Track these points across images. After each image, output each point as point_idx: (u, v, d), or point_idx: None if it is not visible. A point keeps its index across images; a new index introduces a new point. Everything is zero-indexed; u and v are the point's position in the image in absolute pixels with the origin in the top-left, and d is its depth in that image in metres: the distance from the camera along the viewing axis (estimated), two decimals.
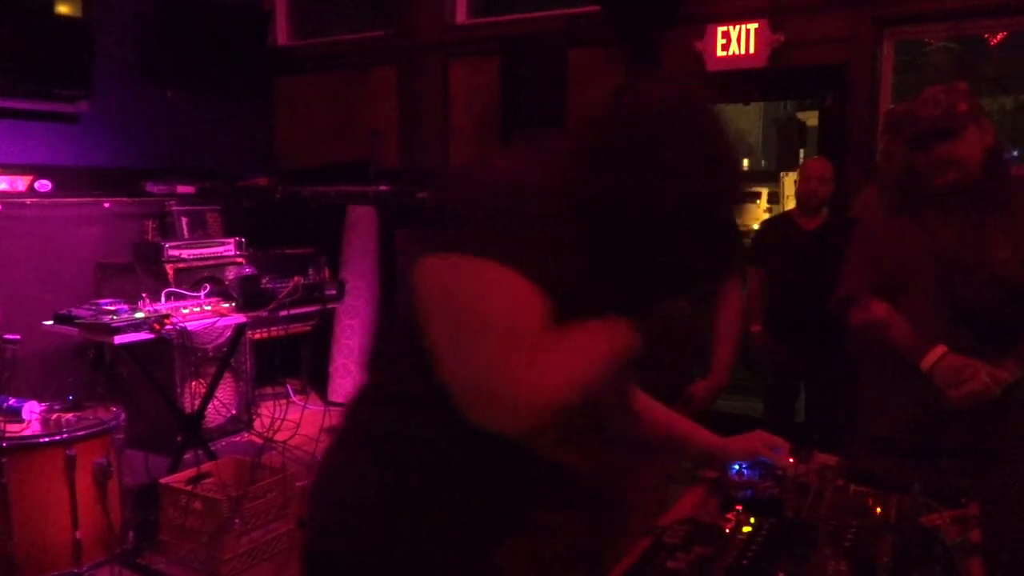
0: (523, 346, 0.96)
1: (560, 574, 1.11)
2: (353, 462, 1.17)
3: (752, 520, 1.23)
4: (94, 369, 3.75)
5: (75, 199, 4.33)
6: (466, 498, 1.08)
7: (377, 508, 1.11)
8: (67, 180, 4.33)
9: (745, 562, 1.08)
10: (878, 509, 1.31)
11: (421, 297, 1.02)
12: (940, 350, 1.95)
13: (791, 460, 1.50)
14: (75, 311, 3.18)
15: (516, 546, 1.07)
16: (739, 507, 1.31)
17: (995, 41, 4.62)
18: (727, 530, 1.21)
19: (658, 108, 1.05)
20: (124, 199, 4.53)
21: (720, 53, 4.35)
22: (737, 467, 1.49)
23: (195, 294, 3.48)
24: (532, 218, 1.01)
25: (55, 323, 3.21)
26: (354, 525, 1.13)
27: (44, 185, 4.19)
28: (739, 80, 4.43)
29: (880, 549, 1.10)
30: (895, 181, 2.14)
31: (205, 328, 3.42)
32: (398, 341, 1.12)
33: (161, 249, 4.04)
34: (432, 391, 1.00)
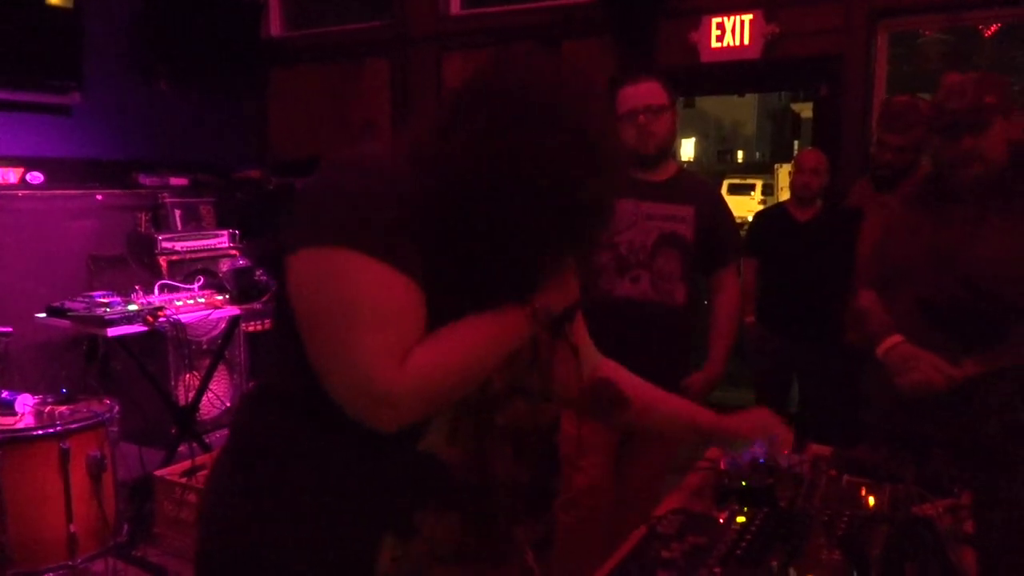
0: (388, 335, 0.94)
1: (444, 574, 1.08)
2: (229, 467, 1.14)
3: (746, 510, 1.24)
4: (87, 362, 3.74)
5: (67, 191, 4.30)
6: (343, 500, 1.04)
7: (249, 514, 1.08)
8: (59, 172, 4.31)
9: (739, 552, 1.09)
10: (871, 499, 1.32)
11: (292, 291, 1.00)
12: (895, 339, 1.99)
13: (785, 452, 1.49)
14: (68, 304, 3.17)
15: (396, 549, 1.05)
16: (733, 498, 1.31)
17: (989, 33, 4.62)
18: (721, 520, 1.22)
19: (500, 81, 1.01)
20: (117, 191, 4.51)
21: (715, 44, 4.35)
22: (732, 459, 1.49)
23: (189, 286, 3.48)
24: (392, 203, 0.97)
25: (48, 316, 3.19)
26: (227, 532, 1.10)
27: (36, 177, 4.16)
28: (734, 72, 4.43)
29: (873, 539, 1.10)
30: (925, 173, 2.13)
31: (199, 320, 3.41)
32: (278, 338, 1.09)
33: (154, 241, 4.03)
34: (308, 388, 0.98)
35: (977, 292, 1.94)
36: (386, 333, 0.95)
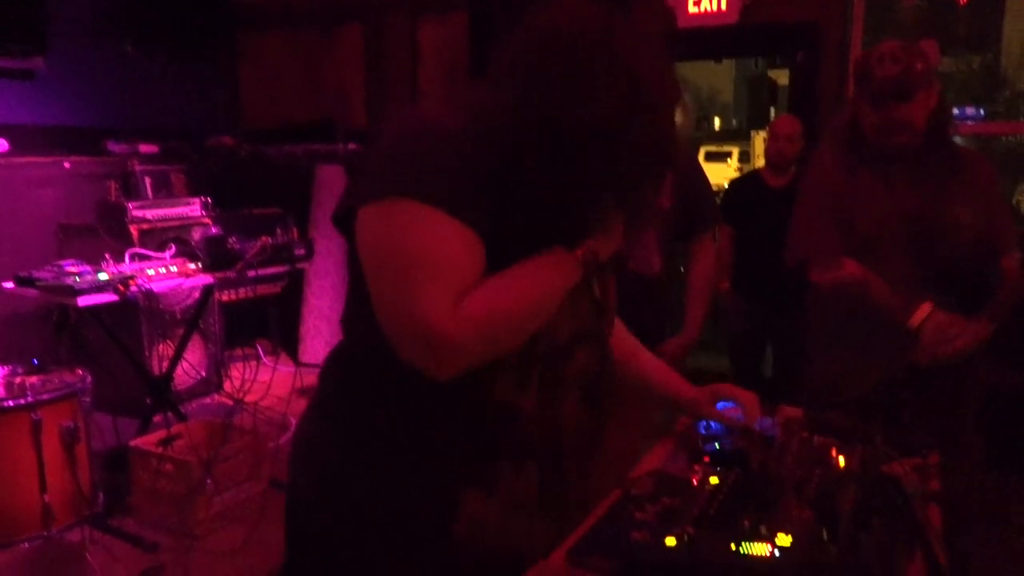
0: (444, 282, 0.96)
1: (524, 523, 1.11)
2: (317, 419, 1.18)
3: (719, 472, 1.25)
4: (57, 332, 3.69)
5: (34, 158, 4.21)
6: (421, 451, 1.08)
7: (335, 465, 1.12)
8: (25, 139, 4.20)
9: (712, 512, 1.10)
10: (841, 460, 1.34)
11: (359, 246, 1.03)
12: (928, 306, 1.95)
13: (756, 417, 1.49)
14: (36, 273, 3.11)
15: (477, 504, 1.07)
16: (706, 459, 1.33)
17: (964, 1, 4.63)
18: (694, 482, 1.23)
19: (556, 26, 1.01)
20: (85, 158, 4.41)
21: (692, 10, 4.32)
22: (705, 423, 1.51)
23: (160, 255, 3.42)
24: (452, 155, 1.00)
25: (16, 285, 3.14)
26: (319, 482, 1.14)
27: (1, 145, 4.06)
28: (710, 37, 4.40)
29: (842, 497, 1.12)
30: (841, 135, 2.10)
31: (172, 289, 3.37)
32: (354, 297, 1.12)
33: (125, 210, 3.96)
34: (383, 343, 1.00)
35: (973, 250, 1.98)
36: (442, 280, 0.96)
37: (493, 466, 1.08)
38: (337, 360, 1.19)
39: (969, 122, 4.71)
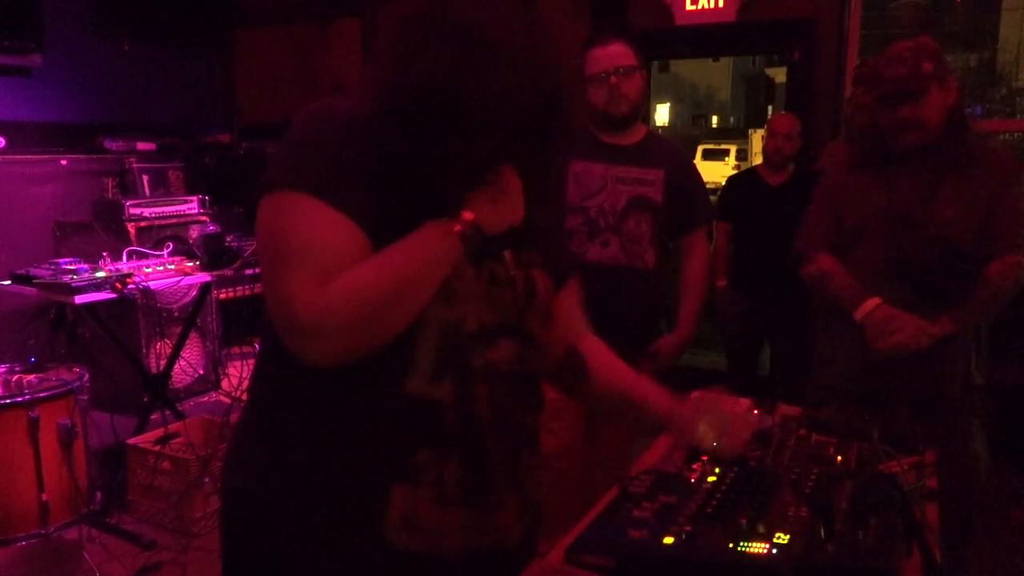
0: (310, 268, 0.97)
1: (460, 519, 1.08)
2: (247, 422, 1.18)
3: (716, 470, 1.25)
4: (55, 330, 3.69)
5: (30, 156, 4.20)
6: (340, 447, 1.06)
7: (266, 464, 1.12)
8: (21, 136, 4.19)
9: (709, 510, 1.11)
10: (838, 457, 1.34)
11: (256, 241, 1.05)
12: (874, 301, 2.00)
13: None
14: (33, 271, 3.11)
15: (406, 501, 1.05)
16: (704, 457, 1.33)
17: None
18: (692, 480, 1.23)
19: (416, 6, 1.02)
20: (82, 156, 4.40)
21: (689, 7, 4.32)
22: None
23: (158, 253, 3.42)
24: (337, 145, 1.01)
25: (12, 283, 3.14)
26: (251, 484, 1.13)
27: None
28: (708, 35, 4.41)
29: (839, 495, 1.13)
30: (860, 136, 2.15)
31: (169, 287, 3.37)
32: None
33: (122, 207, 3.95)
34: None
35: (948, 250, 1.97)
36: (308, 267, 0.97)
37: (413, 459, 1.05)
38: (260, 360, 1.18)
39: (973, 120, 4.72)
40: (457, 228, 1.02)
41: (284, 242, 0.99)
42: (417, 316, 1.02)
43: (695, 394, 1.29)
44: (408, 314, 1.02)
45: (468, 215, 1.02)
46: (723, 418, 1.22)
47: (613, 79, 2.39)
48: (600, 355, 1.32)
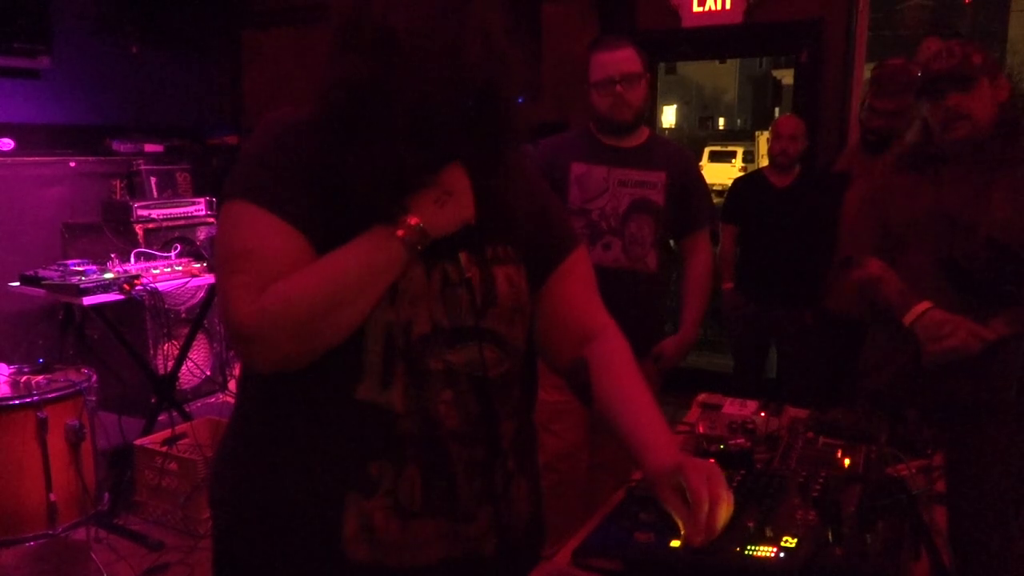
0: (250, 275, 0.98)
1: (421, 529, 1.05)
2: (231, 429, 1.18)
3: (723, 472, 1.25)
4: (63, 331, 3.70)
5: (39, 158, 4.22)
6: (297, 456, 1.05)
7: (242, 470, 1.12)
8: (30, 138, 4.22)
9: None
10: (846, 460, 1.34)
11: None
12: (924, 305, 1.94)
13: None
14: (42, 272, 3.12)
15: (361, 511, 1.03)
16: (711, 460, 1.32)
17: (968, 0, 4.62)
18: None
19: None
20: (90, 158, 4.42)
21: (696, 9, 4.31)
22: (710, 424, 1.51)
23: (166, 254, 3.44)
24: (282, 151, 1.03)
25: (21, 284, 3.15)
26: (231, 490, 1.14)
27: (6, 144, 4.07)
28: (715, 36, 4.40)
29: (847, 498, 1.12)
30: (911, 137, 2.09)
31: (177, 289, 3.38)
32: None
33: (130, 209, 3.96)
34: None
35: (1002, 251, 1.92)
36: (247, 274, 0.99)
37: (367, 468, 1.02)
38: (241, 369, 1.20)
39: None
40: (400, 233, 0.99)
41: (227, 248, 1.02)
42: (363, 321, 1.01)
43: (689, 462, 1.08)
44: (349, 320, 1.00)
45: (412, 219, 1.00)
46: (697, 503, 1.01)
47: (619, 87, 2.38)
48: (614, 370, 1.18)
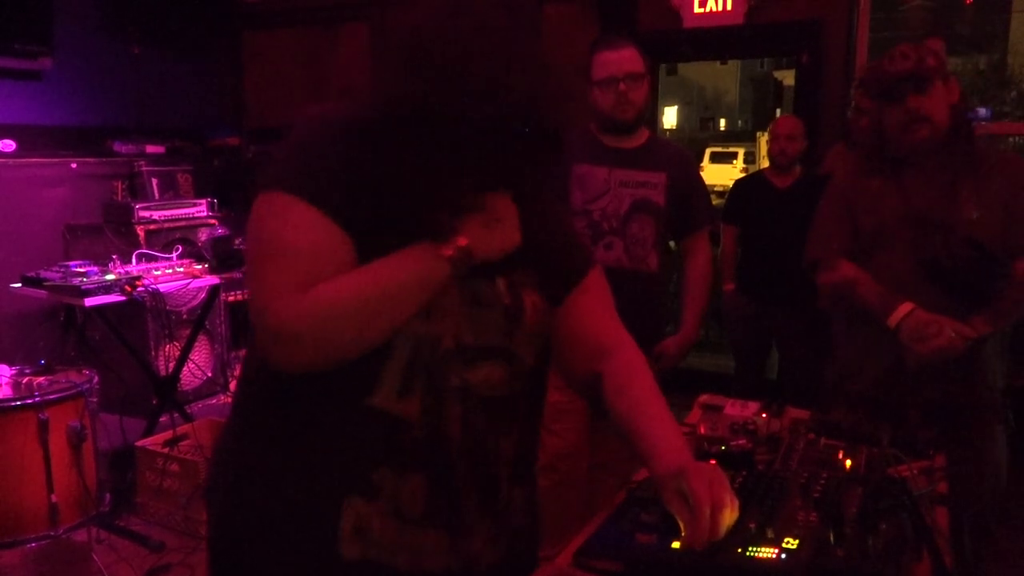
0: (290, 272, 0.96)
1: (417, 537, 1.05)
2: (229, 428, 1.18)
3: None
4: (65, 332, 3.71)
5: (40, 159, 4.22)
6: (301, 457, 1.05)
7: (240, 469, 1.12)
8: (31, 139, 4.22)
9: None
10: (848, 462, 1.34)
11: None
12: (907, 307, 1.95)
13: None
14: (43, 273, 3.12)
15: (359, 514, 1.02)
16: (712, 461, 1.32)
17: (969, 0, 4.63)
18: None
19: (397, 20, 1.04)
20: (91, 159, 4.42)
21: (697, 10, 4.32)
22: (711, 424, 1.51)
23: (167, 256, 3.44)
24: (331, 151, 1.01)
25: (23, 285, 3.15)
26: (228, 489, 1.13)
27: (7, 145, 4.07)
28: (716, 37, 4.40)
29: (848, 500, 1.12)
30: (866, 142, 2.13)
31: (178, 290, 3.38)
32: None
33: (131, 210, 3.97)
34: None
35: (980, 250, 1.94)
36: (288, 270, 0.97)
37: (371, 474, 1.02)
38: (243, 363, 1.19)
39: (976, 122, 4.69)
40: (448, 252, 1.00)
41: (268, 243, 0.99)
42: (395, 331, 1.01)
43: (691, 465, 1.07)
44: (384, 330, 1.00)
45: (462, 240, 1.01)
46: (699, 507, 1.00)
47: (622, 86, 2.38)
48: (627, 380, 1.18)
